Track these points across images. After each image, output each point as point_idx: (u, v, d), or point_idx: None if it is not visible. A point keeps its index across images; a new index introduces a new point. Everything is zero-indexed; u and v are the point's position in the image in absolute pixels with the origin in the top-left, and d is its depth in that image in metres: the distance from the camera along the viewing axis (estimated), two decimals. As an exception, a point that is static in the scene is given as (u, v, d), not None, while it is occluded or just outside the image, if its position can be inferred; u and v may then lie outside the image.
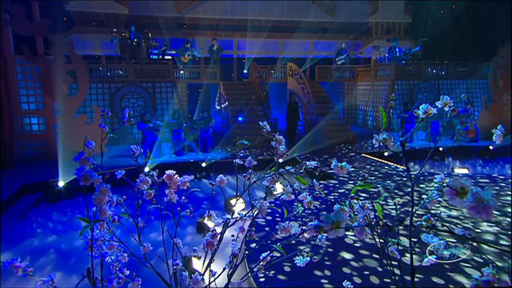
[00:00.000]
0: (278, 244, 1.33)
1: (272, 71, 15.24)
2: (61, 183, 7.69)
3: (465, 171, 8.81)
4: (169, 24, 15.70)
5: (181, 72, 13.41)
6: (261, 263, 1.54)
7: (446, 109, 1.08)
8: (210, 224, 5.73)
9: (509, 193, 6.85)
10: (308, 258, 1.61)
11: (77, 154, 1.32)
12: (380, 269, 4.06)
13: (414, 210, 1.00)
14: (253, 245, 4.59)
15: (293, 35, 17.10)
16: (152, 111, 11.60)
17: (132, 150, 1.97)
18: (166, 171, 1.65)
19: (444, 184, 1.22)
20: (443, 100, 1.08)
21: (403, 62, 14.36)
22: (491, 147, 10.95)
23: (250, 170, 1.57)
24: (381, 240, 1.28)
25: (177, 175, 1.67)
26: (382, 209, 1.28)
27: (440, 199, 4.86)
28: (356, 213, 1.21)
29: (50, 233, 6.25)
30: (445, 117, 13.29)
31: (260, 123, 1.45)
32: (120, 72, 12.23)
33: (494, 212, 5.84)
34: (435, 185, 1.13)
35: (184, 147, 10.58)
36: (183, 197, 1.91)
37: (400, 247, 1.25)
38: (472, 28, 16.55)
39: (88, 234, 1.71)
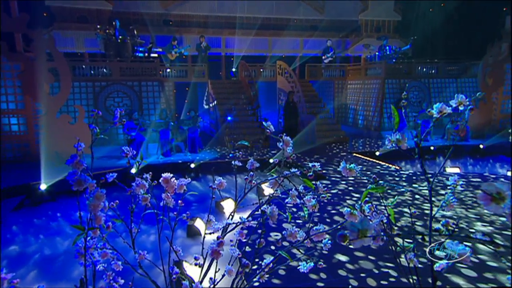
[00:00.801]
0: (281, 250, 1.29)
1: (261, 70, 15.20)
2: (43, 186, 7.50)
3: (457, 170, 8.94)
4: (155, 21, 15.52)
5: (168, 70, 13.26)
6: (263, 269, 1.50)
7: (461, 108, 1.06)
8: (201, 227, 5.67)
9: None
10: (312, 264, 1.58)
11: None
12: (376, 271, 4.07)
13: (433, 214, 0.97)
14: (247, 248, 4.54)
15: (283, 33, 17.10)
16: (139, 110, 11.44)
17: (124, 152, 1.91)
18: (162, 174, 1.60)
19: (458, 185, 1.20)
20: (457, 99, 1.06)
21: (394, 60, 14.49)
22: (481, 146, 11.15)
23: (251, 173, 1.52)
24: (397, 248, 1.25)
25: (174, 178, 1.62)
26: (394, 213, 1.25)
27: (432, 198, 4.85)
28: (369, 218, 1.17)
29: (33, 239, 6.08)
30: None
31: (263, 123, 1.40)
32: (104, 70, 12.03)
33: (487, 211, 5.94)
34: (449, 187, 1.11)
35: (172, 147, 10.47)
36: (179, 201, 1.86)
37: (416, 252, 1.22)
38: (462, 27, 16.83)
39: (80, 241, 1.64)
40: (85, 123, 10.50)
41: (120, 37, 12.70)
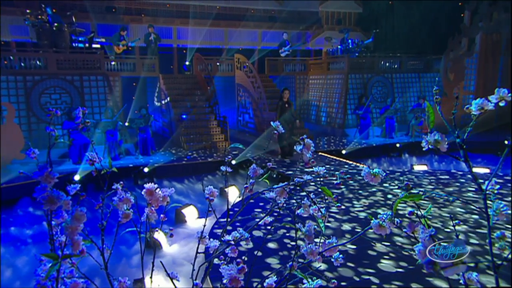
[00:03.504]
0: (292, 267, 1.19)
1: (217, 63, 15.02)
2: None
3: (424, 167, 9.37)
4: (97, 8, 14.81)
5: (113, 63, 12.66)
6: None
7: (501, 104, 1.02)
8: (162, 240, 5.43)
9: (470, 189, 7.38)
10: (320, 281, 1.50)
11: None
12: (357, 279, 4.10)
13: (490, 223, 0.92)
14: (216, 260, 4.40)
15: (240, 24, 17.04)
16: (107, 108, 10.78)
17: (88, 158, 1.72)
18: (145, 185, 1.44)
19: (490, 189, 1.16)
20: (499, 94, 1.02)
21: (356, 54, 14.94)
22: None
23: (252, 180, 1.41)
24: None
25: (158, 189, 1.47)
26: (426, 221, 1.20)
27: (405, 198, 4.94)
28: (404, 230, 1.11)
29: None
30: (399, 113, 14.08)
31: (271, 123, 1.30)
32: (37, 62, 11.23)
33: (459, 210, 6.25)
34: (487, 191, 1.06)
35: (121, 150, 10.01)
36: (162, 216, 1.71)
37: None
38: (424, 20, 17.68)
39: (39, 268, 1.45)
40: (15, 124, 9.75)
41: (56, 24, 11.93)
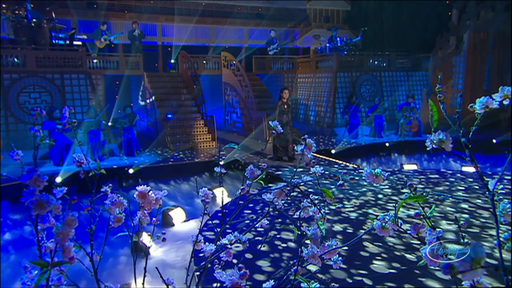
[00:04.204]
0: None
1: (204, 62, 14.95)
2: None
3: (414, 167, 9.48)
4: (78, 3, 14.56)
5: (95, 61, 12.48)
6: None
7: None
8: (148, 243, 5.35)
9: (460, 188, 7.50)
10: (318, 284, 1.49)
11: None
12: (350, 280, 4.12)
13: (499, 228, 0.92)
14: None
15: (226, 21, 16.98)
16: (89, 107, 10.60)
17: (76, 160, 1.70)
18: (137, 188, 1.41)
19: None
20: (503, 92, 1.03)
21: (345, 52, 15.04)
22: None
23: (248, 182, 1.39)
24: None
25: (151, 192, 1.44)
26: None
27: (395, 197, 5.04)
28: (407, 231, 1.10)
29: None
30: (388, 111, 14.23)
31: (270, 123, 1.28)
32: (15, 59, 10.99)
33: (450, 209, 6.34)
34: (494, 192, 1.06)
35: (105, 151, 9.88)
36: (154, 219, 1.68)
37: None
38: (413, 18, 17.88)
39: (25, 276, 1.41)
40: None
41: (34, 20, 11.69)
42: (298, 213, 1.30)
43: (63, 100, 11.08)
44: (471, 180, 8.13)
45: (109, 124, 10.47)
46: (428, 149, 1.11)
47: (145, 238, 5.54)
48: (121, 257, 5.39)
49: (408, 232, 1.10)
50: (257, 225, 1.54)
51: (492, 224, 5.61)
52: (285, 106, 9.70)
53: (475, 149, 12.04)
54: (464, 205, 6.46)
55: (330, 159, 10.22)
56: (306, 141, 1.14)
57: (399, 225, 1.12)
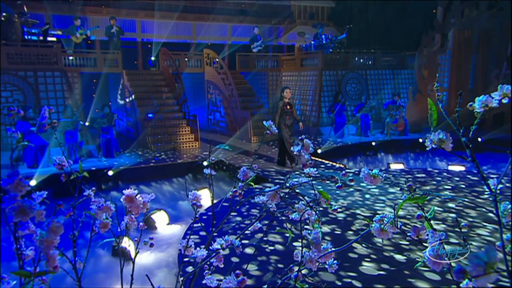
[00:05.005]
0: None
1: (186, 59, 14.84)
2: None
3: (401, 166, 9.62)
4: (52, -3, 14.28)
5: (71, 58, 12.23)
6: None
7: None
8: (130, 247, 5.28)
9: (447, 187, 7.64)
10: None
11: None
12: (339, 283, 4.14)
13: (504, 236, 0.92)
14: (190, 268, 4.33)
15: (209, 17, 16.90)
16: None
17: (57, 162, 1.66)
18: (124, 191, 1.38)
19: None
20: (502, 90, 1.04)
21: (330, 50, 15.14)
22: (420, 140, 12.16)
23: (240, 184, 1.38)
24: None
25: (139, 196, 1.41)
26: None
27: (383, 197, 5.09)
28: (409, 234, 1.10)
29: None
30: (374, 110, 14.39)
31: (264, 122, 1.27)
32: (-15, 56, 10.69)
33: (437, 208, 6.45)
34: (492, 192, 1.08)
35: (82, 152, 9.70)
36: (141, 224, 1.65)
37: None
38: (398, 15, 18.12)
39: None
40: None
41: (4, 14, 11.39)
42: (293, 215, 1.28)
43: (37, 99, 10.84)
44: (457, 179, 8.30)
45: (87, 124, 10.30)
46: (427, 149, 1.11)
47: (127, 243, 5.47)
48: (102, 261, 5.30)
49: (408, 234, 1.10)
50: (249, 228, 1.52)
51: (479, 224, 5.73)
52: (288, 107, 9.29)
53: (461, 148, 12.34)
54: (451, 204, 6.57)
55: (317, 159, 10.27)
56: (304, 142, 1.13)
57: (398, 226, 1.12)
